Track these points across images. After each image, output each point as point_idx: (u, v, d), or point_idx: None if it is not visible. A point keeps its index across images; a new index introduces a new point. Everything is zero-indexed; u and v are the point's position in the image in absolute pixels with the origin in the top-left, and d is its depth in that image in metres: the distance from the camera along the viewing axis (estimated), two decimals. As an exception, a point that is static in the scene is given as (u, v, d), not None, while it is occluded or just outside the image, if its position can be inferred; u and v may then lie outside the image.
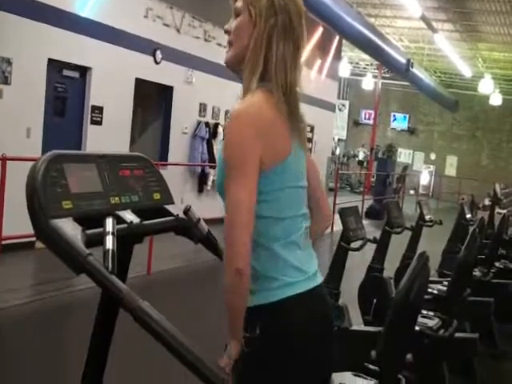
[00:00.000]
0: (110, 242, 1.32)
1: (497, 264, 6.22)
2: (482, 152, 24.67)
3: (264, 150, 1.47)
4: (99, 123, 7.92)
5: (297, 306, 1.50)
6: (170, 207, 1.71)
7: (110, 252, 1.30)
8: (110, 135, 7.98)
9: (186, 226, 1.68)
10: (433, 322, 3.67)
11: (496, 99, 21.23)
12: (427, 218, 6.14)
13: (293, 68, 1.55)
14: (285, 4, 1.54)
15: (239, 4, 1.58)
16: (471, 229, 4.45)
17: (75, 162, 1.48)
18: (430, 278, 2.38)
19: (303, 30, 1.59)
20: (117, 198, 1.54)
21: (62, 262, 1.30)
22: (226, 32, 1.61)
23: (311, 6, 9.23)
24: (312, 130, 13.90)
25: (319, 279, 1.58)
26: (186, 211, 1.67)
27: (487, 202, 14.90)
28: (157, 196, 1.71)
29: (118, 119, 8.25)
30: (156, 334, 1.24)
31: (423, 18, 12.09)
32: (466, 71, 18.77)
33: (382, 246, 4.74)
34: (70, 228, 1.32)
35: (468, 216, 7.36)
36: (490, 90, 19.96)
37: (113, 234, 1.35)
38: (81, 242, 1.30)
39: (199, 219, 1.71)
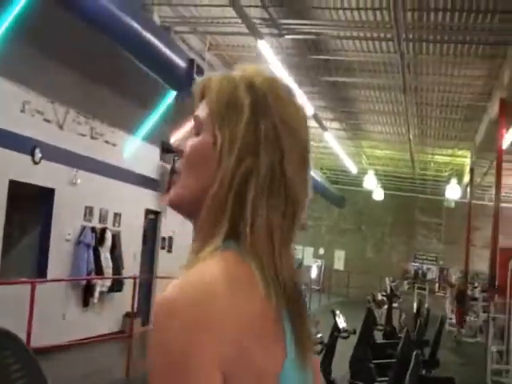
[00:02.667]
0: None
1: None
2: (366, 245, 25.51)
3: (232, 370, 0.75)
4: (-37, 233, 6.82)
5: None
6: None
7: None
8: (-24, 247, 6.89)
9: None
10: None
11: (378, 194, 22.13)
12: (341, 327, 5.93)
13: (287, 242, 0.86)
14: (276, 138, 0.86)
15: (201, 113, 0.89)
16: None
17: None
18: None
19: (305, 176, 0.90)
20: None
21: None
22: (177, 151, 0.90)
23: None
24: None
25: None
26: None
27: (380, 296, 15.01)
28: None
29: (-14, 227, 7.18)
30: None
31: (315, 117, 12.22)
32: (352, 168, 19.33)
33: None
34: None
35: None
36: (373, 186, 20.71)
37: None
38: None
39: None
